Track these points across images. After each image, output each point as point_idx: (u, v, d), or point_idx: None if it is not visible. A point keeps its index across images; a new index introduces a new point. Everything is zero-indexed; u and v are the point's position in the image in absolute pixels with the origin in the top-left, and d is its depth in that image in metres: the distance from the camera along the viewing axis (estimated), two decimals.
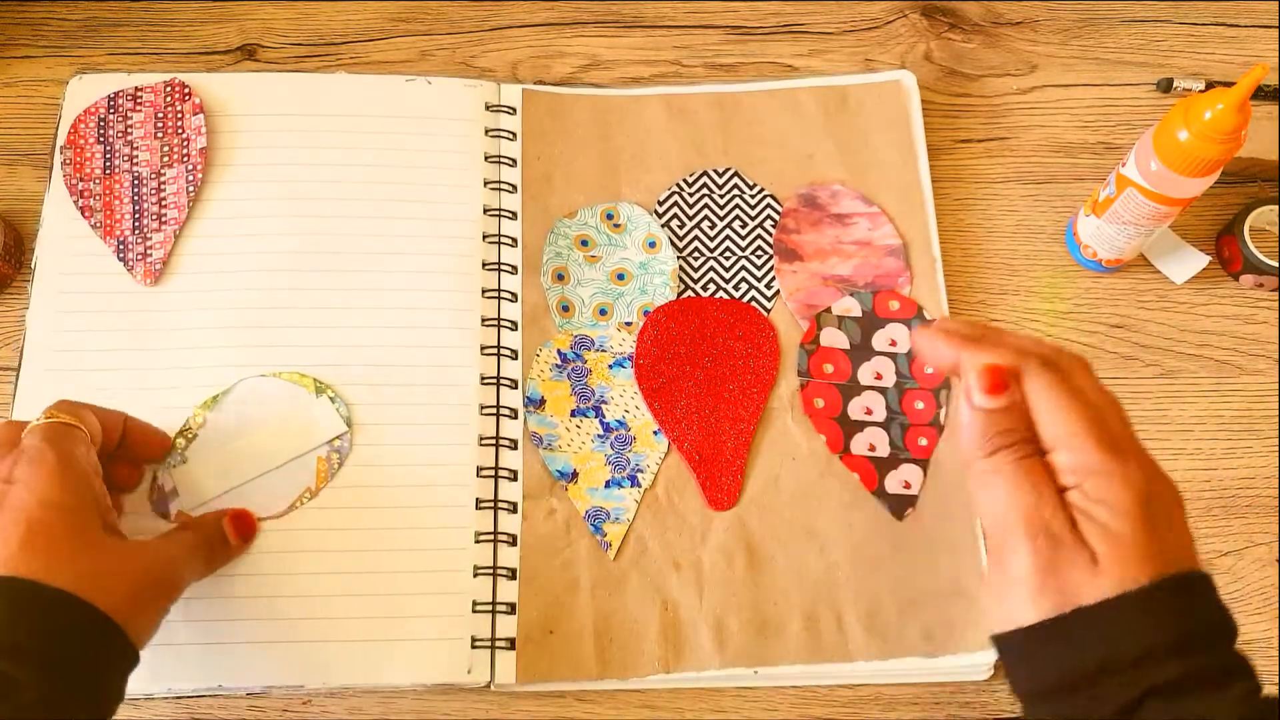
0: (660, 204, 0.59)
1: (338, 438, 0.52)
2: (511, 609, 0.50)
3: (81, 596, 0.37)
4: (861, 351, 0.56)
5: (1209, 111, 0.47)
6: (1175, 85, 0.63)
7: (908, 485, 0.53)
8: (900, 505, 0.53)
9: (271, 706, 0.49)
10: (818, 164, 0.60)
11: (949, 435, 0.54)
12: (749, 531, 0.52)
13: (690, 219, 0.59)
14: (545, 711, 0.49)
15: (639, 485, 0.53)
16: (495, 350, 0.55)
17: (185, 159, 0.57)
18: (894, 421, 0.54)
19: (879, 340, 0.56)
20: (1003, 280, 0.59)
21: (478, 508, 0.51)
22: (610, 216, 0.59)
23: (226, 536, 0.48)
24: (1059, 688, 0.33)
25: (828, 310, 0.56)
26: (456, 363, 0.54)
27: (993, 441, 0.36)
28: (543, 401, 0.54)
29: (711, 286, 0.57)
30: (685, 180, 0.60)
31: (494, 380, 0.54)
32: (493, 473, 0.52)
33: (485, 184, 0.58)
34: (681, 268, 0.58)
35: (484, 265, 0.56)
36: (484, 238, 0.57)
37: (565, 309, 0.56)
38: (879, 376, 0.55)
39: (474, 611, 0.50)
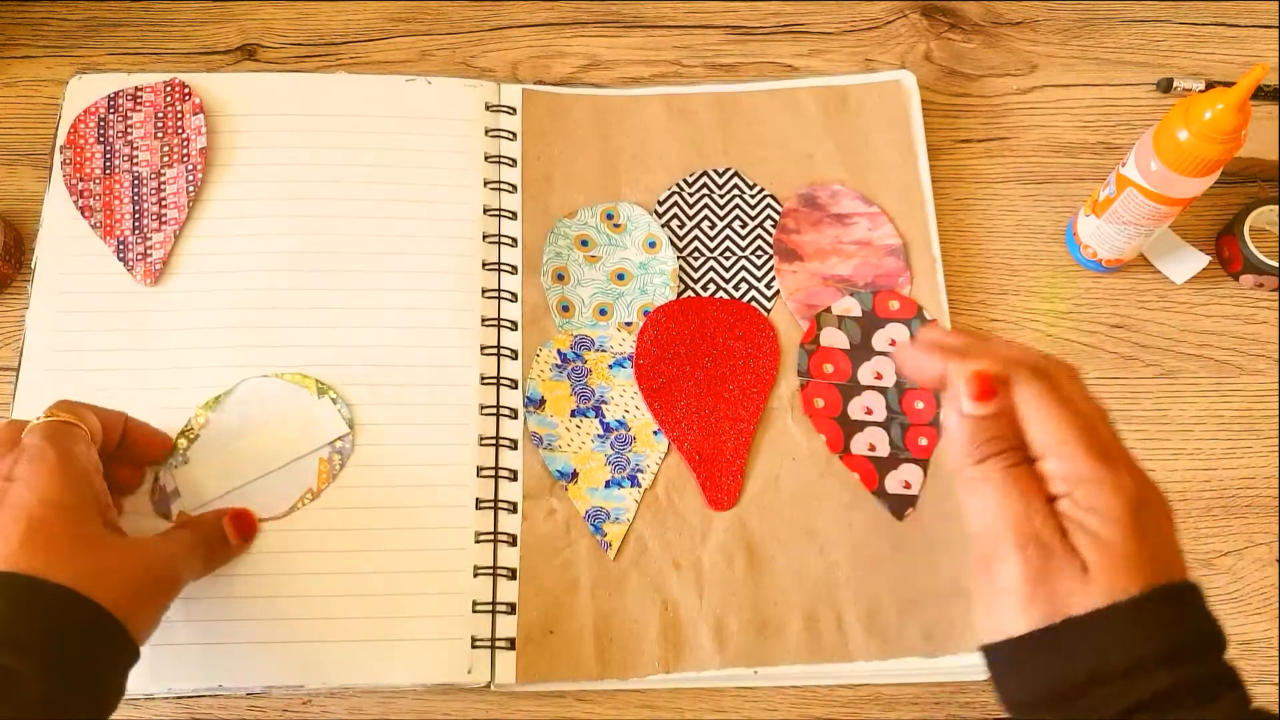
0: (660, 204, 0.59)
1: (339, 439, 0.52)
2: (511, 609, 0.50)
3: (81, 592, 0.38)
4: (861, 351, 0.56)
5: (1209, 111, 0.47)
6: (1175, 85, 0.63)
7: (908, 485, 0.53)
8: (900, 505, 0.53)
9: (271, 706, 0.49)
10: (818, 164, 0.60)
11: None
12: (749, 531, 0.52)
13: (690, 219, 0.59)
14: (545, 711, 0.49)
15: (639, 485, 0.53)
16: (495, 350, 0.55)
17: (185, 159, 0.57)
18: (894, 421, 0.54)
19: (879, 340, 0.56)
20: (1003, 280, 0.59)
21: (478, 508, 0.51)
22: (610, 216, 0.59)
23: (226, 536, 0.48)
24: (1049, 698, 0.33)
25: (828, 310, 0.56)
26: (456, 363, 0.54)
27: (981, 449, 0.36)
28: (543, 401, 0.54)
29: (711, 286, 0.57)
30: (685, 180, 0.60)
31: (494, 380, 0.54)
32: (493, 473, 0.52)
33: (485, 184, 0.58)
34: (681, 268, 0.58)
35: (484, 265, 0.56)
36: (484, 238, 0.57)
37: (565, 309, 0.56)
38: (879, 376, 0.55)
39: (474, 611, 0.50)
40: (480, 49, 0.64)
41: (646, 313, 0.56)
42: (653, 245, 0.58)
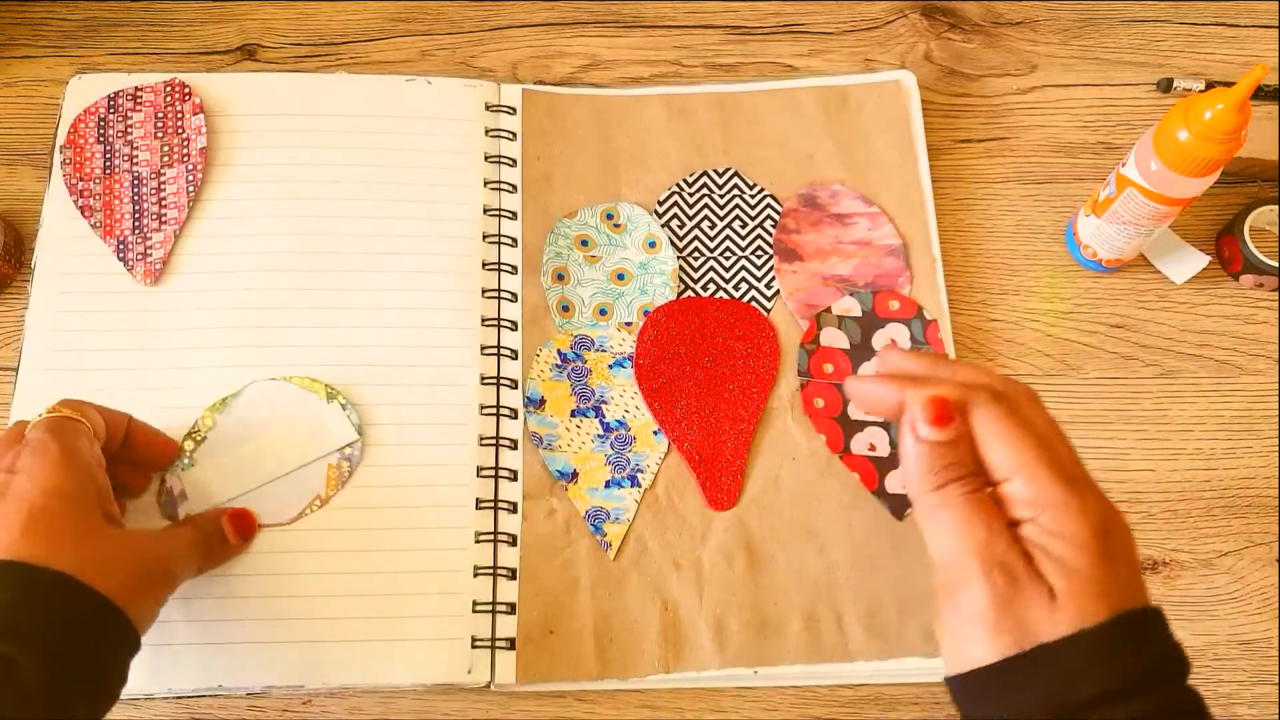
0: (660, 204, 0.59)
1: (349, 445, 0.52)
2: (511, 609, 0.50)
3: (82, 580, 0.38)
4: (861, 351, 0.56)
5: (1209, 111, 0.47)
6: (1175, 85, 0.63)
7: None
8: (900, 505, 0.53)
9: (271, 706, 0.49)
10: (818, 164, 0.60)
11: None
12: (749, 531, 0.52)
13: (690, 219, 0.59)
14: (545, 711, 0.49)
15: (639, 485, 0.53)
16: (495, 350, 0.55)
17: (185, 159, 0.57)
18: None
19: (879, 340, 0.56)
20: (1003, 280, 0.59)
21: (478, 508, 0.51)
22: (610, 216, 0.59)
23: (225, 535, 0.48)
24: None
25: (828, 310, 0.56)
26: (456, 363, 0.54)
27: (940, 475, 0.35)
28: (543, 401, 0.54)
29: (711, 286, 0.57)
30: (685, 180, 0.60)
31: (494, 380, 0.54)
32: (493, 473, 0.52)
33: (485, 184, 0.58)
34: (681, 268, 0.58)
35: (484, 265, 0.56)
36: (484, 238, 0.57)
37: (565, 309, 0.56)
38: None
39: (474, 611, 0.50)
40: (480, 49, 0.64)
41: (646, 313, 0.56)
42: (653, 245, 0.58)
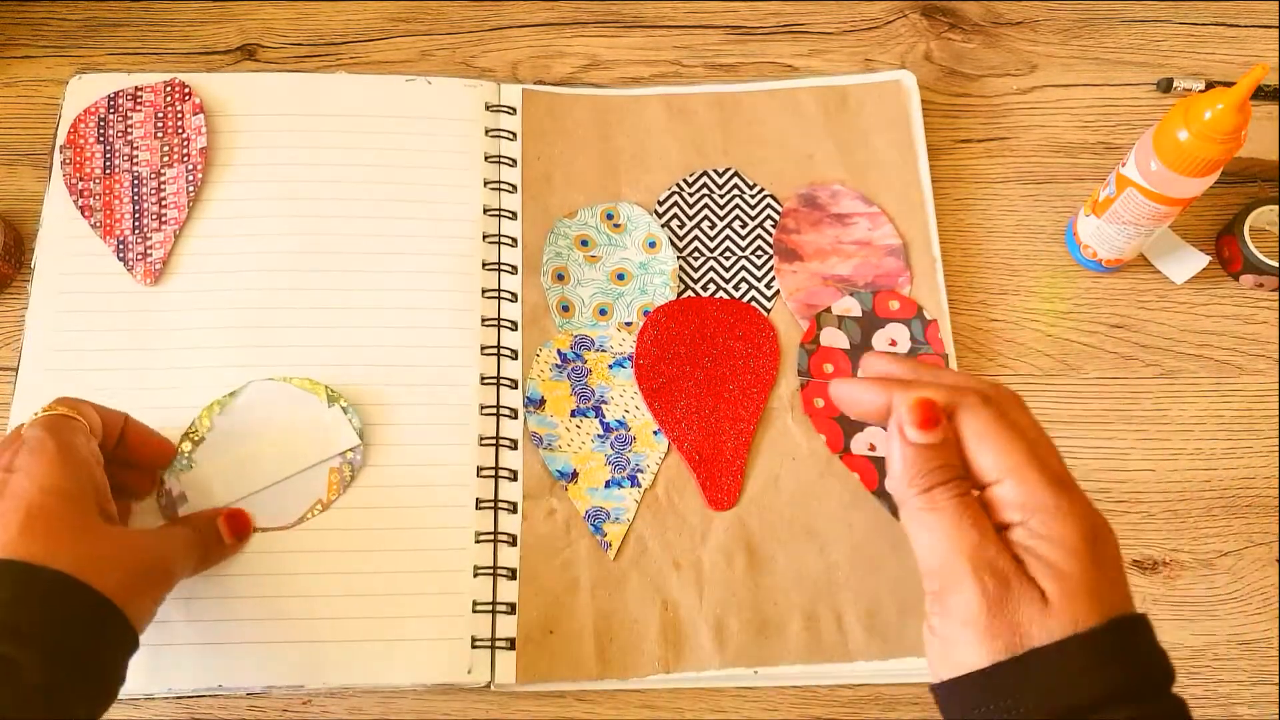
0: (660, 204, 0.59)
1: (350, 450, 0.52)
2: (511, 609, 0.50)
3: (80, 579, 0.38)
4: (861, 351, 0.56)
5: (1209, 111, 0.47)
6: (1175, 85, 0.63)
7: None
8: None
9: (271, 706, 0.49)
10: (818, 164, 0.60)
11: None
12: (749, 531, 0.52)
13: (690, 219, 0.59)
14: (545, 711, 0.49)
15: (639, 485, 0.53)
16: (495, 350, 0.55)
17: (185, 159, 0.57)
18: None
19: (879, 340, 0.56)
20: (1003, 280, 0.59)
21: (478, 508, 0.51)
22: (610, 216, 0.59)
23: (221, 535, 0.48)
24: None
25: (828, 310, 0.56)
26: (456, 363, 0.54)
27: (928, 478, 0.35)
28: (543, 401, 0.54)
29: (711, 286, 0.57)
30: (685, 180, 0.60)
31: (494, 380, 0.54)
32: (493, 473, 0.52)
33: (485, 184, 0.58)
34: (681, 268, 0.58)
35: (484, 265, 0.56)
36: (484, 238, 0.57)
37: (565, 309, 0.56)
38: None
39: (474, 611, 0.50)
40: (480, 49, 0.64)
41: (646, 313, 0.56)
42: (653, 245, 0.58)
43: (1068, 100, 0.64)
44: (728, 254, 0.58)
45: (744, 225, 0.59)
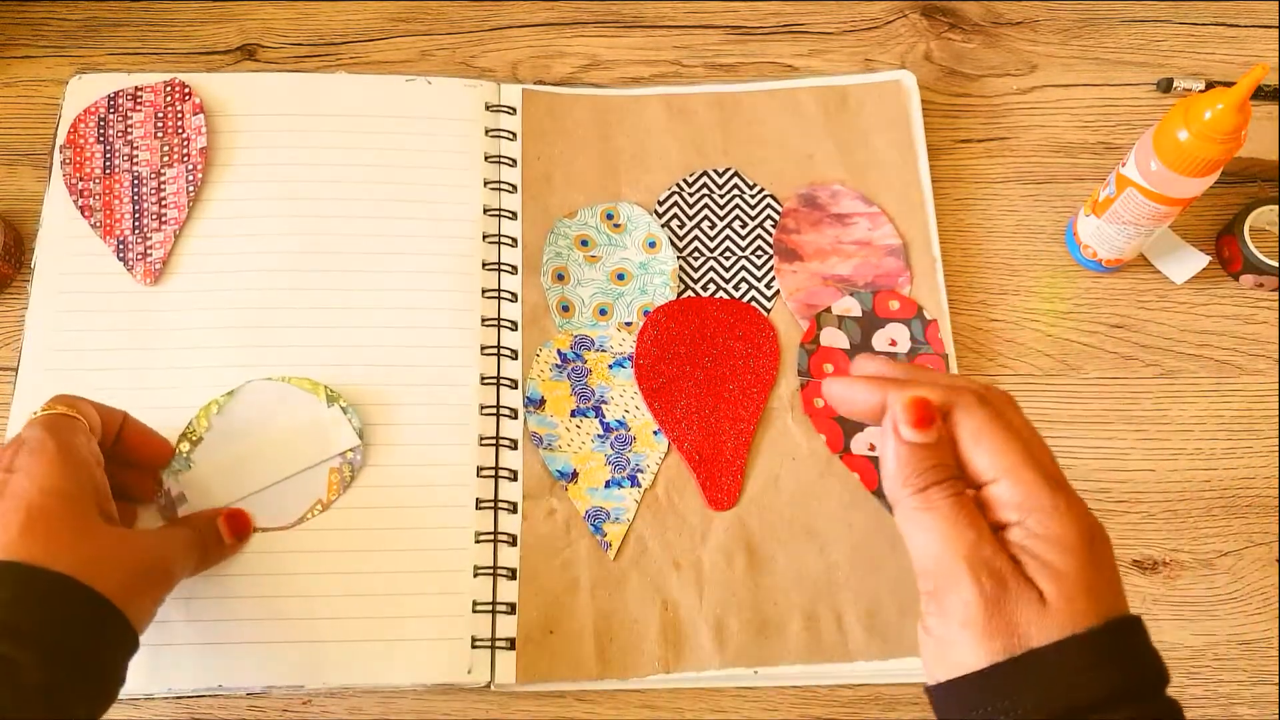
0: (660, 204, 0.59)
1: (350, 450, 0.52)
2: (511, 609, 0.50)
3: (81, 580, 0.38)
4: (861, 351, 0.56)
5: (1209, 111, 0.47)
6: (1175, 85, 0.63)
7: None
8: None
9: (271, 706, 0.49)
10: (818, 164, 0.60)
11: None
12: (749, 531, 0.52)
13: (690, 219, 0.59)
14: (545, 711, 0.49)
15: (639, 485, 0.53)
16: (495, 350, 0.55)
17: (185, 159, 0.57)
18: None
19: (879, 340, 0.56)
20: (1003, 280, 0.59)
21: (478, 508, 0.51)
22: (610, 216, 0.59)
23: (221, 535, 0.48)
24: None
25: (828, 310, 0.56)
26: (456, 363, 0.54)
27: (924, 477, 0.35)
28: (543, 401, 0.54)
29: (711, 286, 0.57)
30: (685, 180, 0.60)
31: (494, 380, 0.54)
32: (493, 473, 0.52)
33: (485, 184, 0.58)
34: (681, 268, 0.58)
35: (484, 265, 0.56)
36: (484, 238, 0.57)
37: (565, 309, 0.56)
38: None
39: (474, 611, 0.50)
40: (480, 49, 0.64)
41: (646, 313, 0.56)
42: (653, 245, 0.58)
43: (1068, 100, 0.64)
44: (728, 254, 0.58)
45: (744, 225, 0.59)
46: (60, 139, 0.58)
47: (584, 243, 0.58)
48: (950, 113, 0.63)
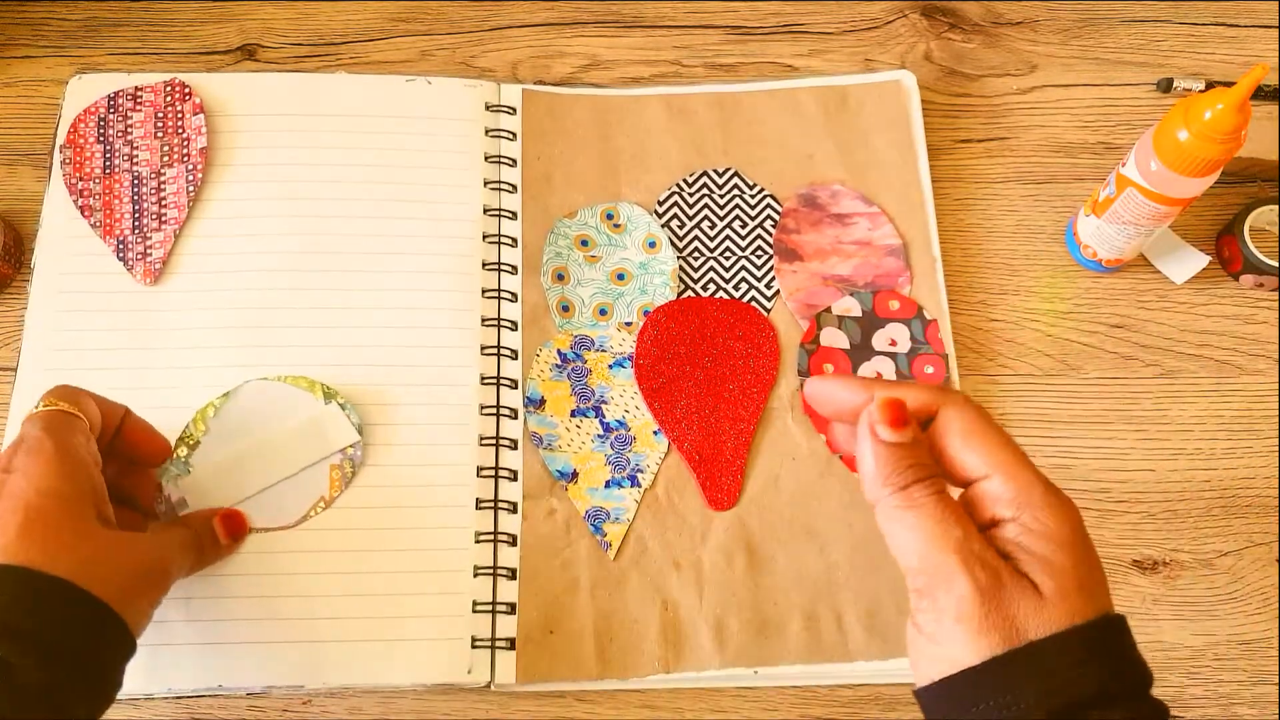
0: (660, 204, 0.59)
1: (351, 446, 0.51)
2: (511, 609, 0.50)
3: (79, 584, 0.37)
4: (861, 351, 0.56)
5: (1209, 111, 0.47)
6: (1175, 85, 0.63)
7: None
8: None
9: (271, 706, 0.49)
10: (818, 164, 0.60)
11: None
12: (749, 531, 0.52)
13: (690, 219, 0.59)
14: (545, 711, 0.49)
15: (639, 485, 0.53)
16: (495, 350, 0.55)
17: (185, 159, 0.57)
18: None
19: (879, 340, 0.56)
20: (1003, 280, 0.59)
21: (478, 508, 0.51)
22: (610, 216, 0.59)
23: (217, 536, 0.48)
24: None
25: (828, 310, 0.56)
26: (456, 363, 0.54)
27: (904, 475, 0.34)
28: (543, 401, 0.54)
29: (711, 286, 0.57)
30: (685, 180, 0.60)
31: (494, 380, 0.54)
32: (493, 473, 0.52)
33: (485, 184, 0.58)
34: (681, 268, 0.58)
35: (484, 265, 0.56)
36: (484, 238, 0.57)
37: (565, 309, 0.56)
38: (879, 376, 0.55)
39: (474, 611, 0.50)
40: (480, 49, 0.64)
41: (646, 313, 0.56)
42: (653, 245, 0.58)
43: (1068, 100, 0.64)
44: (728, 254, 0.58)
45: (744, 225, 0.59)
46: (60, 139, 0.58)
47: (584, 243, 0.58)
48: (950, 113, 0.63)
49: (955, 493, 0.35)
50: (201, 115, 0.58)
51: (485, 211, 0.58)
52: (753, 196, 0.59)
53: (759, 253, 0.58)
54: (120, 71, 0.60)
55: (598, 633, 0.50)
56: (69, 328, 0.54)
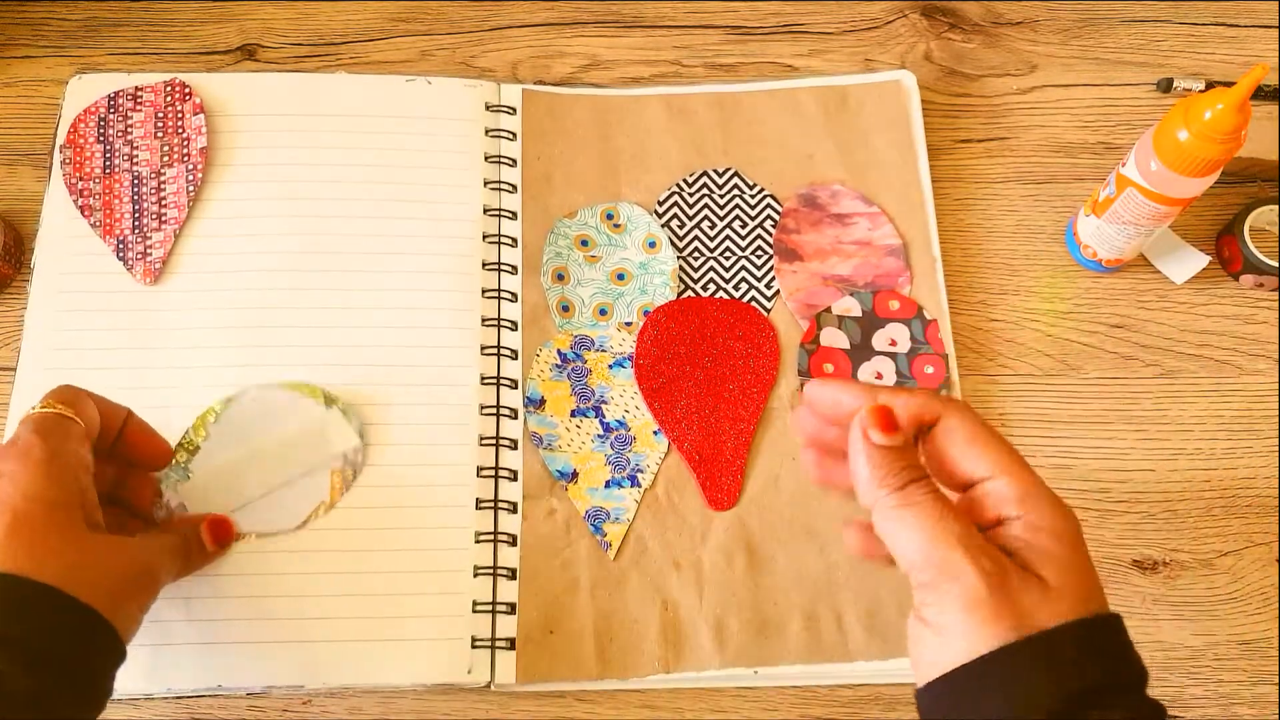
0: (660, 204, 0.59)
1: (352, 450, 0.51)
2: (511, 609, 0.50)
3: (67, 591, 0.37)
4: (861, 351, 0.56)
5: (1209, 111, 0.47)
6: (1175, 85, 0.63)
7: None
8: None
9: (271, 706, 0.49)
10: (818, 164, 0.60)
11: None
12: (749, 531, 0.52)
13: (690, 219, 0.59)
14: (545, 711, 0.49)
15: (639, 485, 0.53)
16: (495, 350, 0.55)
17: (185, 159, 0.57)
18: None
19: (879, 340, 0.56)
20: (1003, 280, 0.59)
21: (478, 508, 0.51)
22: (610, 216, 0.59)
23: (204, 542, 0.47)
24: None
25: (828, 310, 0.56)
26: (456, 363, 0.54)
27: (900, 476, 0.35)
28: (543, 401, 0.54)
29: (711, 286, 0.57)
30: (685, 180, 0.60)
31: (494, 380, 0.54)
32: (493, 473, 0.52)
33: (485, 184, 0.58)
34: (681, 268, 0.58)
35: (484, 265, 0.56)
36: (484, 238, 0.57)
37: (565, 309, 0.56)
38: (879, 376, 0.55)
39: (474, 611, 0.50)
40: (480, 49, 0.64)
41: (646, 313, 0.56)
42: (653, 245, 0.58)
43: (1068, 100, 0.64)
44: (728, 254, 0.58)
45: (744, 225, 0.59)
46: (60, 139, 0.58)
47: (584, 243, 0.58)
48: (950, 113, 0.63)
49: (952, 497, 0.35)
50: (201, 115, 0.58)
51: (485, 211, 0.58)
52: (753, 196, 0.59)
53: (759, 253, 0.58)
54: (120, 71, 0.60)
55: (598, 633, 0.50)
56: (69, 328, 0.54)
